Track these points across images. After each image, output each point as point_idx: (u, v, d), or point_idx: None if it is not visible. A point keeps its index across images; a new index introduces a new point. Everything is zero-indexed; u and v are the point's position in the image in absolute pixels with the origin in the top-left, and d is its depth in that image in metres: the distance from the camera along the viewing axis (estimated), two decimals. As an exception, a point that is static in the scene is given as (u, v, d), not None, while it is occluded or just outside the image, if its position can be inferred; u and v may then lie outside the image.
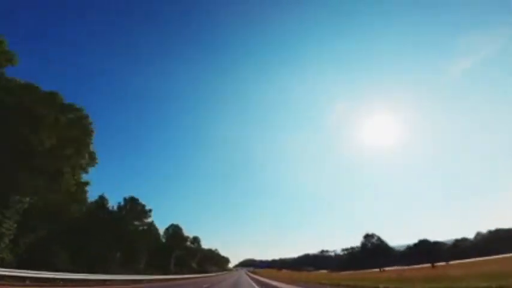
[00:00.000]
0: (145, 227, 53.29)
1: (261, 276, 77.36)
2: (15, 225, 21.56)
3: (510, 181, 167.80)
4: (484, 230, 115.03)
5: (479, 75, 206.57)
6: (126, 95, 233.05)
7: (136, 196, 51.47)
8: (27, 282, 18.67)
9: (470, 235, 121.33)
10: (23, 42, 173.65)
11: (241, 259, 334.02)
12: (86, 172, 27.88)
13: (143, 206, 51.37)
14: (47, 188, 23.88)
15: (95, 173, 28.92)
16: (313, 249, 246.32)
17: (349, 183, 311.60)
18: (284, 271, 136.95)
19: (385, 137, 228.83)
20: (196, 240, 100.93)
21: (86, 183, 28.67)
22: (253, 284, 29.51)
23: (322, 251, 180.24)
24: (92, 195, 35.07)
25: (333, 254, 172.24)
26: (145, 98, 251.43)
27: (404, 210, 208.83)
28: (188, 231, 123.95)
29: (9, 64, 22.43)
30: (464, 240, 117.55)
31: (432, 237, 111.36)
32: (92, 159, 27.55)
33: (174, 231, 77.91)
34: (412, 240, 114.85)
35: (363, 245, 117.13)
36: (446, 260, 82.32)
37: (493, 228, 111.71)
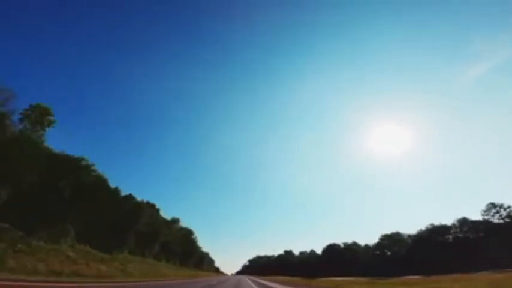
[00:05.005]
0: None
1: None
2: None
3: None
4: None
5: (494, 82, 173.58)
6: (131, 94, 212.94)
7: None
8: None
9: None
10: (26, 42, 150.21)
11: (245, 261, 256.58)
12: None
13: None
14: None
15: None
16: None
17: (356, 188, 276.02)
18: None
19: (393, 146, 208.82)
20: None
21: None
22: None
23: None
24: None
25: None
26: (151, 97, 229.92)
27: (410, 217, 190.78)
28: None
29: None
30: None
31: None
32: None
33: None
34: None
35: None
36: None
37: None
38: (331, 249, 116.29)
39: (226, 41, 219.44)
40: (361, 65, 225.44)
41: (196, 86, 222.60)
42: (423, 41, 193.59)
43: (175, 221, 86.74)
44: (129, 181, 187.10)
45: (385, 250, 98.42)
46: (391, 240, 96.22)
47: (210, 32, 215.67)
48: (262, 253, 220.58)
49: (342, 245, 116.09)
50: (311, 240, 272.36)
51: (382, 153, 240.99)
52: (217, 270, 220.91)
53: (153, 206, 71.77)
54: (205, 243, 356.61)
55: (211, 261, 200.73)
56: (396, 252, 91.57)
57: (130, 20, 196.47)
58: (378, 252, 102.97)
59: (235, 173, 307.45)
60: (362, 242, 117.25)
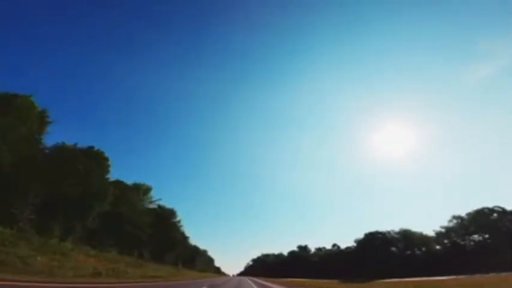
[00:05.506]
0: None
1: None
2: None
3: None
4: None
5: (499, 83, 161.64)
6: (132, 94, 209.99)
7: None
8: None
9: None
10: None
11: (249, 260, 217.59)
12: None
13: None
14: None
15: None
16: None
17: (357, 189, 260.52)
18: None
19: (396, 148, 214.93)
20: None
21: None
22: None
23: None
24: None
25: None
26: (151, 98, 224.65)
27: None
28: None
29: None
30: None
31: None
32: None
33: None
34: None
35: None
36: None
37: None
38: (372, 239, 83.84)
39: (228, 41, 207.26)
40: (362, 65, 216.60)
41: (198, 86, 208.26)
42: (427, 41, 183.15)
43: (142, 189, 55.29)
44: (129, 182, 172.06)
45: (475, 236, 65.13)
46: (483, 220, 62.17)
47: (211, 32, 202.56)
48: (268, 251, 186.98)
49: (387, 234, 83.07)
50: (325, 236, 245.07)
51: (386, 152, 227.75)
52: (217, 270, 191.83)
53: (96, 154, 40.61)
54: (206, 243, 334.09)
55: (210, 260, 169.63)
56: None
57: (130, 20, 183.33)
58: (447, 242, 70.16)
59: (237, 170, 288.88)
60: (416, 229, 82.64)
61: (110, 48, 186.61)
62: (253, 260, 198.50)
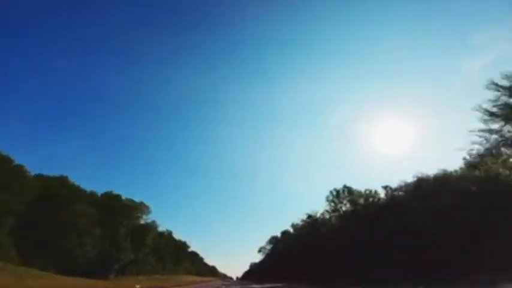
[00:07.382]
0: None
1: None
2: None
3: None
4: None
5: (498, 73, 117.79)
6: (125, 94, 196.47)
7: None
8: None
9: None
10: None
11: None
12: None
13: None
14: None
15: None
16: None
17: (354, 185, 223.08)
18: None
19: (394, 142, 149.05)
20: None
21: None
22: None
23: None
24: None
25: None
26: (145, 98, 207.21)
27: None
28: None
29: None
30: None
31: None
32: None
33: None
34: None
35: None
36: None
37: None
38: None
39: (222, 38, 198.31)
40: (357, 60, 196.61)
41: (193, 84, 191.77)
42: (422, 33, 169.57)
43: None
44: (123, 185, 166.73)
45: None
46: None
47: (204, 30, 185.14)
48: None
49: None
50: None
51: (382, 148, 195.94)
52: (212, 272, 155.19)
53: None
54: (205, 244, 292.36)
55: (198, 260, 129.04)
56: None
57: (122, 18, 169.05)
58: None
59: (234, 166, 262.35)
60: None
61: (101, 48, 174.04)
62: (270, 243, 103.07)
